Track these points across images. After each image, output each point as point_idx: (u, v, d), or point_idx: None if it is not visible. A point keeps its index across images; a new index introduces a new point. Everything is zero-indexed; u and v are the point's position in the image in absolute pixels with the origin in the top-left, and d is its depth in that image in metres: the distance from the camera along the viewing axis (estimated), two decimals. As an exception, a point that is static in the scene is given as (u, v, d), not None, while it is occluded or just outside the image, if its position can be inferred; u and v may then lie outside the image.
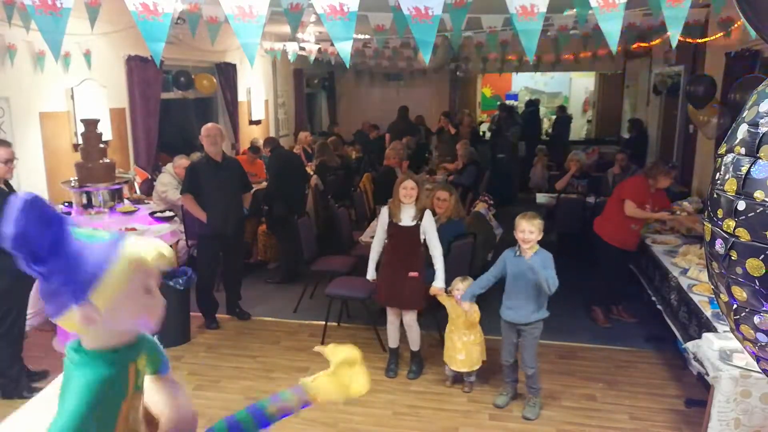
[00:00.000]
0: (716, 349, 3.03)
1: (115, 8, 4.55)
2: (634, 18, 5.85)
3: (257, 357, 4.67)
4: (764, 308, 1.21)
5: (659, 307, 4.57)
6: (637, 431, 3.67)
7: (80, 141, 5.10)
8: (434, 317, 4.72)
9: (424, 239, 4.18)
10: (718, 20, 5.57)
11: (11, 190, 3.94)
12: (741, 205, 1.18)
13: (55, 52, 3.55)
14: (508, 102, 14.10)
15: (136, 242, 1.21)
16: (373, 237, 5.24)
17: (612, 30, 3.31)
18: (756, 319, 1.23)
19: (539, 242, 3.74)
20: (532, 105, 13.23)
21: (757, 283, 1.18)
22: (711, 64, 6.87)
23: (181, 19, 4.90)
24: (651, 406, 3.93)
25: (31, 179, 4.99)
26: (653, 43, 8.28)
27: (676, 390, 4.13)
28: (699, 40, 6.30)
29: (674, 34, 3.34)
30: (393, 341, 4.38)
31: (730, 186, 1.21)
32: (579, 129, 15.83)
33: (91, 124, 4.79)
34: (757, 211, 1.15)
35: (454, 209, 5.09)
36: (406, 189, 4.08)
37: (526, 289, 3.70)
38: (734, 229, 1.20)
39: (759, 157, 1.16)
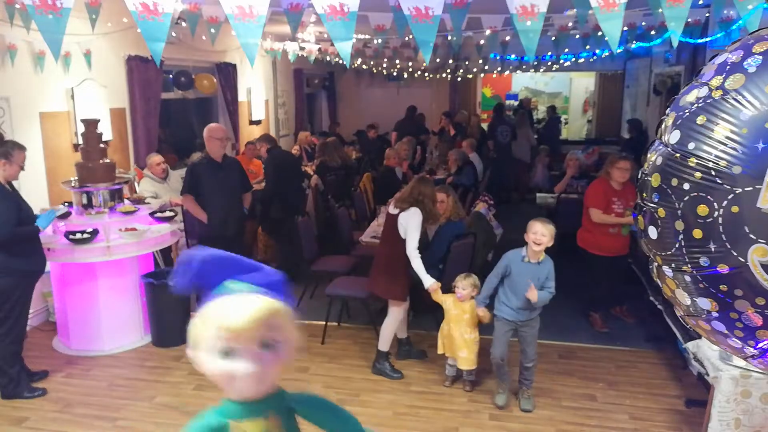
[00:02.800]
0: (716, 349, 3.03)
1: (115, 8, 4.55)
2: (634, 18, 5.85)
3: (257, 357, 4.65)
4: (652, 258, 1.48)
5: (659, 307, 4.57)
6: (637, 431, 3.68)
7: (80, 141, 5.10)
8: (434, 317, 4.72)
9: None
10: (718, 20, 5.57)
11: (14, 190, 3.95)
12: (640, 174, 1.53)
13: (55, 52, 3.55)
14: (507, 102, 14.08)
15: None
16: (373, 237, 5.26)
17: (612, 30, 3.32)
18: (652, 267, 1.51)
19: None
20: (521, 107, 13.17)
21: (643, 235, 1.47)
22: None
23: (181, 19, 4.89)
24: (651, 406, 3.93)
25: (31, 179, 4.98)
26: (653, 43, 8.27)
27: (676, 390, 4.14)
28: (699, 40, 6.29)
29: (674, 35, 3.34)
30: (402, 331, 4.54)
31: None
32: (579, 129, 15.84)
33: (91, 124, 4.79)
34: (642, 178, 1.48)
35: (453, 210, 5.09)
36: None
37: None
38: (637, 192, 1.52)
39: (657, 138, 1.49)
